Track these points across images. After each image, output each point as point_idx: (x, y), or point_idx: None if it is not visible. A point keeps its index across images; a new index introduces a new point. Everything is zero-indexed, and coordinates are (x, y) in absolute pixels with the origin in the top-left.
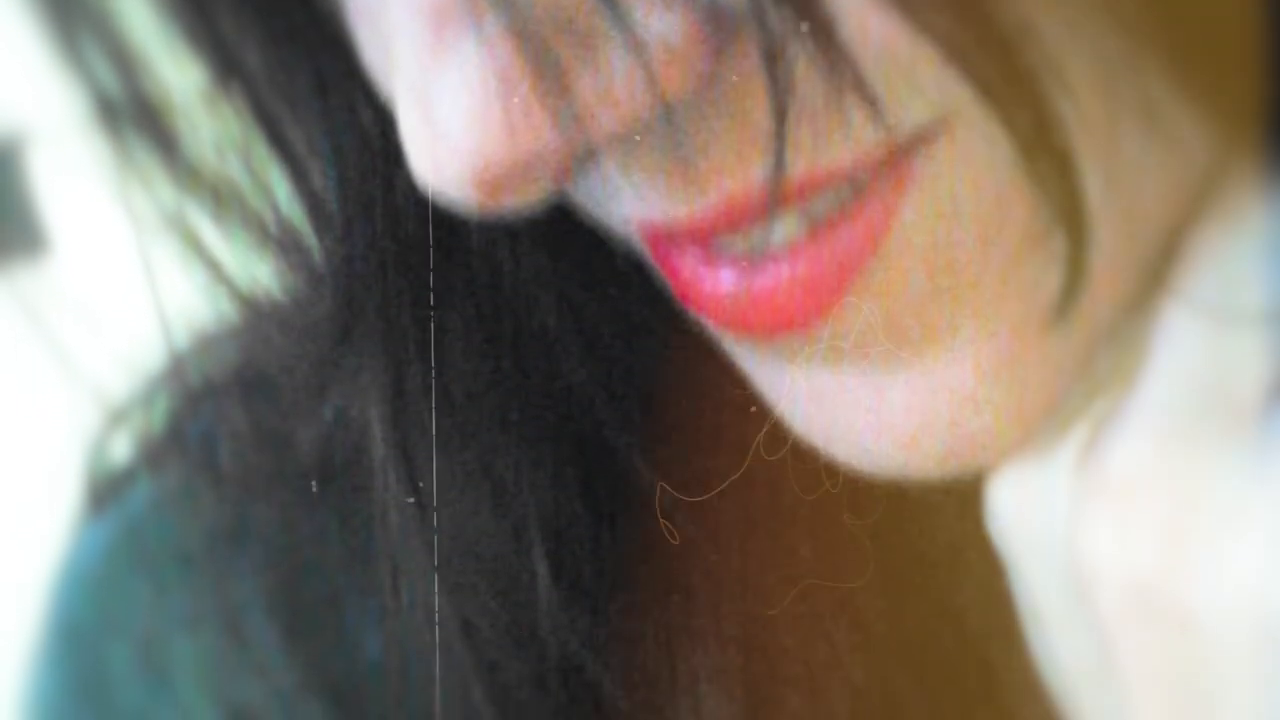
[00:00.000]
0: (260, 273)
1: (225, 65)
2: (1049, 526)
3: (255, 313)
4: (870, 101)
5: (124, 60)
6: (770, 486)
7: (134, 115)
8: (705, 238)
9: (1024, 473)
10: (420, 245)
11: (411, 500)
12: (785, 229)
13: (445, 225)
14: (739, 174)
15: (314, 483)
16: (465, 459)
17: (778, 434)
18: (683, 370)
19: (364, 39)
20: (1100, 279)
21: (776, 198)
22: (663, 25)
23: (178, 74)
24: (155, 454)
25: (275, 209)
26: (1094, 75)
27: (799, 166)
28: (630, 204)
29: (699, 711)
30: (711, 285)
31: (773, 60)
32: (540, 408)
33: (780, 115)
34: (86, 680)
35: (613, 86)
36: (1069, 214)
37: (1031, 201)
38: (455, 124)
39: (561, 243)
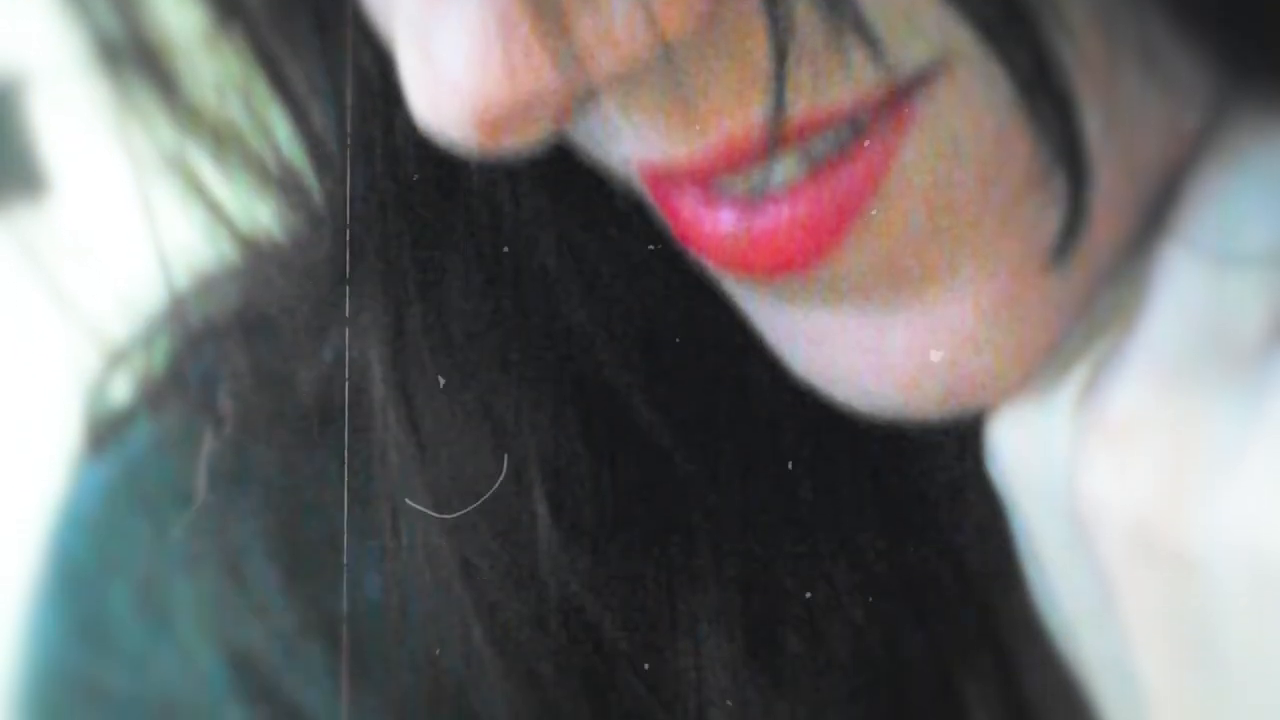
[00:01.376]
0: (261, 214)
1: (226, 6)
2: (1049, 467)
3: (256, 254)
4: (870, 42)
5: (124, 1)
6: (770, 425)
7: (134, 56)
8: (705, 178)
9: (1023, 413)
10: (420, 186)
11: (413, 440)
12: (785, 169)
13: (445, 166)
14: (738, 114)
15: (315, 425)
16: (465, 399)
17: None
18: (683, 311)
19: None
20: (1100, 219)
21: (776, 138)
22: None
23: (178, 14)
24: (155, 395)
25: (275, 150)
26: (1093, 15)
27: (799, 107)
28: (630, 145)
29: (699, 652)
30: (711, 226)
31: (773, 1)
32: (540, 348)
33: (780, 55)
34: (86, 621)
35: (612, 27)
36: (1069, 154)
37: (1031, 142)
38: (455, 64)
39: (562, 183)
